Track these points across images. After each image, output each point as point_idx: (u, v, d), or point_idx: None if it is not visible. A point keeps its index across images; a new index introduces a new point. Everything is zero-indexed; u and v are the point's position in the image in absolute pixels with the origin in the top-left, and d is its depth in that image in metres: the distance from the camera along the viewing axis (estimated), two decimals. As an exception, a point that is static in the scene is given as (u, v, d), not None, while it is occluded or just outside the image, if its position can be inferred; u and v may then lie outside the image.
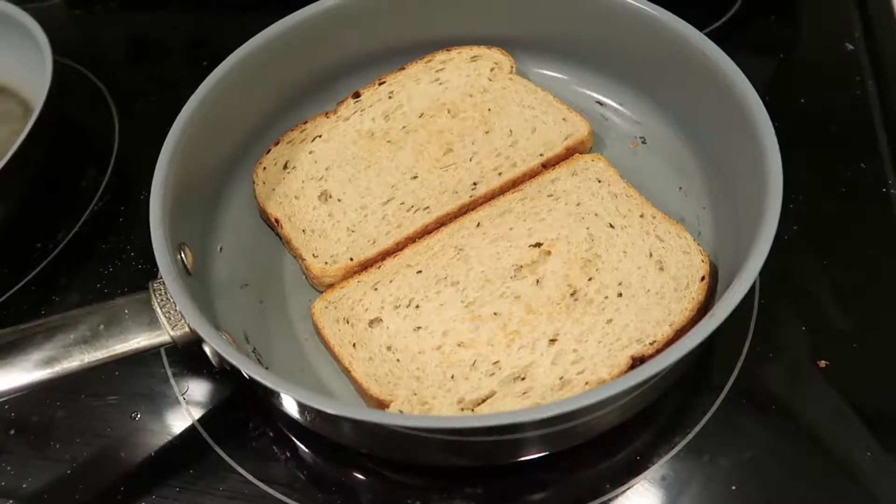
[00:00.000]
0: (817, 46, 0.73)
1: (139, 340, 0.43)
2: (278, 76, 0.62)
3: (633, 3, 0.58)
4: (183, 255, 0.49)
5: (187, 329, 0.44)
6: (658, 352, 0.47)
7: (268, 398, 0.48)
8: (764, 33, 0.74)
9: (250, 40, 0.58)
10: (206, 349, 0.44)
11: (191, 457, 0.49)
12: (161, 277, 0.45)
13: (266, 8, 0.83)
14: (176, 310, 0.44)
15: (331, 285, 0.53)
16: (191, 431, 0.50)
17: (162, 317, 0.44)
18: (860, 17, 0.74)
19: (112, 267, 0.60)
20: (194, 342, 0.44)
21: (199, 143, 0.54)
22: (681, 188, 0.58)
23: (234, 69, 0.57)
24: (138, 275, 0.59)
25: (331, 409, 0.37)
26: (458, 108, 0.63)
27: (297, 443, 0.50)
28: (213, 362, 0.44)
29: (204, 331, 0.41)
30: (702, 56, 0.54)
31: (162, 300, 0.44)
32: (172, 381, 0.52)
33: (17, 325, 0.43)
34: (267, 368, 0.50)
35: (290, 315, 0.54)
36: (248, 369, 0.39)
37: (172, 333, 0.44)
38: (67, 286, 0.59)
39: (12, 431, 0.51)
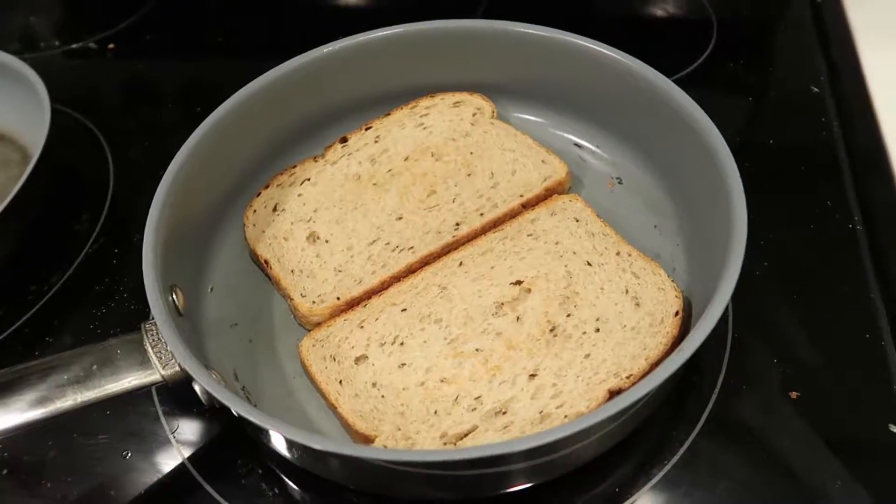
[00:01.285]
0: (785, 89, 0.76)
1: (131, 380, 0.45)
2: (268, 122, 0.64)
3: (607, 52, 0.62)
4: (174, 296, 0.50)
5: (178, 368, 0.45)
6: (634, 385, 0.48)
7: (257, 435, 0.49)
8: (734, 77, 0.78)
9: (242, 89, 0.61)
10: (196, 388, 0.45)
11: (181, 495, 0.50)
12: (153, 318, 0.47)
13: (258, 55, 0.88)
14: (167, 350, 0.46)
15: (318, 324, 0.55)
16: (181, 470, 0.51)
17: (153, 357, 0.45)
18: (825, 60, 0.78)
19: (105, 308, 0.61)
20: (184, 381, 0.45)
21: (191, 187, 0.56)
22: (656, 226, 0.61)
23: (225, 116, 0.60)
24: (131, 315, 0.61)
25: (316, 445, 0.38)
26: (442, 151, 0.66)
27: (286, 480, 0.51)
28: (203, 400, 0.45)
29: (194, 370, 0.43)
30: (671, 101, 0.57)
31: (153, 340, 0.46)
32: (163, 419, 0.53)
33: (12, 367, 0.44)
34: (255, 406, 0.51)
35: (279, 353, 0.55)
36: (237, 407, 0.40)
37: (163, 373, 0.45)
38: (61, 327, 0.60)
39: (5, 471, 0.51)
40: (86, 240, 0.67)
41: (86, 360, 0.45)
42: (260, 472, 0.51)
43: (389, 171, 0.64)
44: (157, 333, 0.46)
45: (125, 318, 0.60)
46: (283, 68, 0.63)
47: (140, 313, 0.61)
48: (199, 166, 0.57)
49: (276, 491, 0.50)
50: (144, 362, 0.45)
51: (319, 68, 0.65)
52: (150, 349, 0.46)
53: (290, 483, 0.51)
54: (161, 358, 0.45)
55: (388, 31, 0.66)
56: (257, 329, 0.56)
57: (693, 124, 0.55)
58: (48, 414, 0.42)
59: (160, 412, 0.54)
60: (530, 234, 0.58)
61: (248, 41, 0.90)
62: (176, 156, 0.55)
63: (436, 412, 0.48)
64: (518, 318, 0.53)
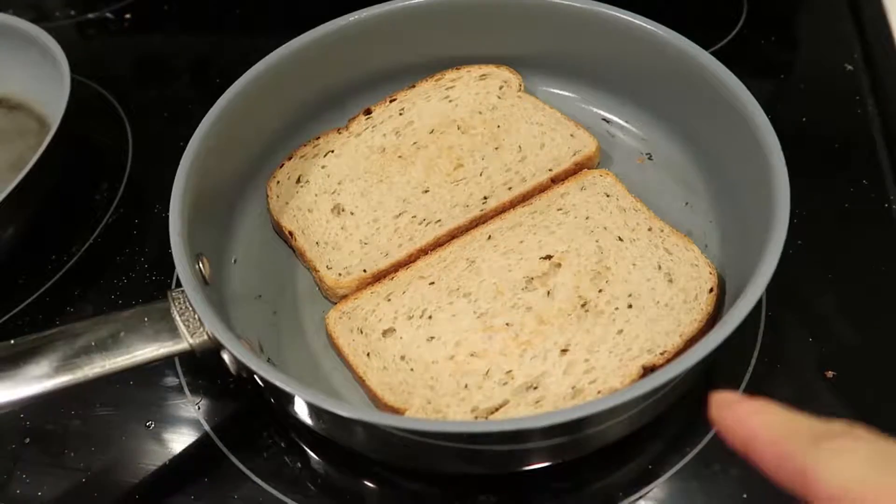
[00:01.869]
0: (817, 66, 0.75)
1: (159, 348, 0.44)
2: (291, 93, 0.63)
3: (639, 22, 0.60)
4: (201, 264, 0.49)
5: (206, 337, 0.44)
6: (668, 362, 0.47)
7: (283, 406, 0.48)
8: (765, 54, 0.76)
9: (264, 59, 0.60)
10: (224, 356, 0.44)
11: (205, 465, 0.50)
12: (180, 287, 0.46)
13: (276, 28, 0.86)
14: (195, 318, 0.45)
15: (344, 296, 0.54)
16: (205, 440, 0.51)
17: (181, 325, 0.44)
18: (858, 37, 0.76)
19: (126, 279, 0.60)
20: (213, 350, 0.45)
21: (214, 157, 0.55)
22: (687, 203, 0.59)
23: (248, 86, 0.58)
24: (151, 286, 0.60)
25: (347, 413, 0.37)
26: (468, 124, 0.64)
27: (311, 451, 0.50)
28: (231, 370, 0.45)
29: (224, 337, 0.42)
30: (707, 74, 0.56)
31: (181, 308, 0.45)
32: (186, 390, 0.53)
33: (38, 332, 0.43)
34: (281, 378, 0.51)
35: (304, 325, 0.54)
36: (267, 374, 0.40)
37: (191, 341, 0.44)
38: (82, 297, 0.60)
39: (27, 440, 0.51)
40: (105, 210, 0.66)
41: (112, 326, 0.44)
42: (284, 443, 0.51)
43: (415, 143, 0.63)
44: (185, 301, 0.45)
45: (146, 289, 0.60)
46: (307, 37, 0.62)
47: (161, 284, 0.60)
48: (221, 137, 0.56)
49: (301, 463, 0.50)
50: (172, 330, 0.45)
51: (343, 38, 0.63)
52: (177, 317, 0.45)
53: (315, 455, 0.50)
54: (189, 326, 0.44)
55: (413, 1, 0.64)
56: (282, 301, 0.56)
57: (731, 99, 0.53)
58: (75, 380, 0.41)
59: (184, 382, 0.53)
60: (560, 209, 0.57)
61: (267, 12, 0.88)
62: (200, 123, 0.54)
63: (466, 386, 0.47)
64: (548, 292, 0.52)
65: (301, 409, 0.43)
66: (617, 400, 0.38)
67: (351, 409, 0.38)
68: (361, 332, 0.51)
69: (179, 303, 0.45)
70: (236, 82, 0.58)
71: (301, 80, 0.63)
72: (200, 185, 0.53)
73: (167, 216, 0.65)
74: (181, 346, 0.44)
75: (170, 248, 0.61)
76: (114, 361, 0.42)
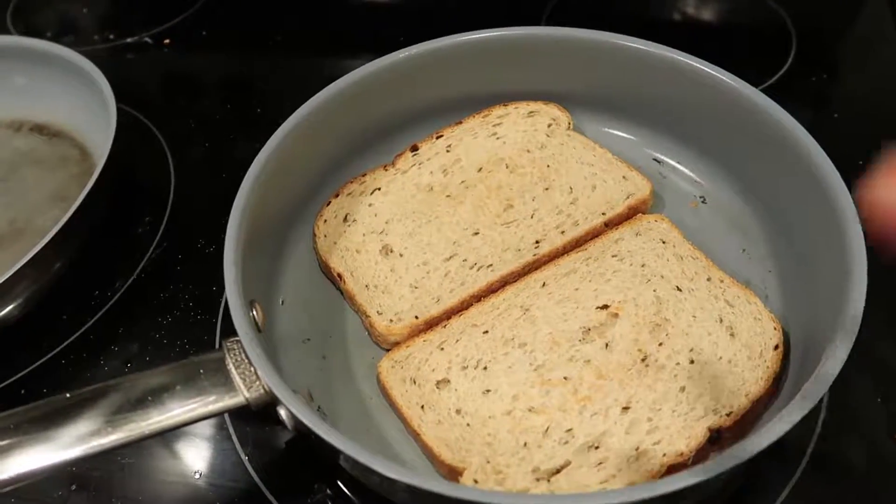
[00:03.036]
0: (872, 104, 0.73)
1: (214, 402, 0.43)
2: (339, 130, 0.62)
3: (691, 62, 0.59)
4: (254, 312, 0.48)
5: (262, 392, 0.43)
6: (736, 424, 0.46)
7: (337, 460, 0.47)
8: (816, 91, 0.75)
9: (315, 96, 0.59)
10: (281, 411, 0.43)
11: (253, 517, 0.49)
12: (231, 335, 0.45)
13: (316, 53, 0.86)
14: (251, 371, 0.44)
15: (395, 343, 0.53)
16: (254, 490, 0.49)
17: (237, 378, 0.43)
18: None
19: (170, 317, 0.60)
20: (269, 404, 0.44)
21: (266, 196, 0.54)
22: (744, 250, 0.58)
23: (299, 124, 0.57)
24: (197, 326, 0.59)
25: (429, 486, 0.36)
26: (517, 163, 0.63)
27: (359, 502, 0.49)
28: (288, 426, 0.44)
29: (283, 395, 0.41)
30: (765, 117, 0.55)
31: (237, 360, 0.44)
32: (235, 438, 0.52)
33: (94, 385, 0.42)
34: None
35: (354, 371, 0.53)
36: (334, 439, 0.39)
37: (248, 395, 0.43)
38: (126, 335, 0.59)
39: (73, 486, 0.50)
40: (148, 244, 0.65)
41: (169, 379, 0.43)
42: (332, 492, 0.49)
43: (463, 182, 0.62)
44: (240, 353, 0.44)
45: (191, 328, 0.59)
46: (357, 74, 0.61)
47: (206, 323, 0.59)
48: (273, 174, 0.55)
49: (352, 516, 0.49)
50: (227, 383, 0.44)
51: (392, 74, 0.63)
52: (233, 370, 0.44)
53: (364, 507, 0.49)
54: (245, 379, 0.43)
55: (461, 38, 0.64)
56: (330, 345, 0.55)
57: (795, 146, 0.52)
58: (129, 438, 0.41)
59: (231, 430, 0.52)
60: (615, 255, 0.56)
61: (306, 39, 0.88)
62: (253, 163, 0.54)
63: (525, 444, 0.46)
64: (607, 344, 0.50)
65: (363, 472, 0.42)
66: (708, 473, 0.36)
67: (432, 482, 0.37)
68: (415, 383, 0.50)
69: (234, 354, 0.44)
70: (288, 120, 0.57)
71: (349, 116, 0.62)
72: (252, 226, 0.52)
73: (211, 251, 0.66)
74: (237, 399, 0.43)
75: (214, 285, 0.62)
76: (169, 416, 0.41)
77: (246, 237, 0.51)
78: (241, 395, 0.43)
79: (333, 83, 0.60)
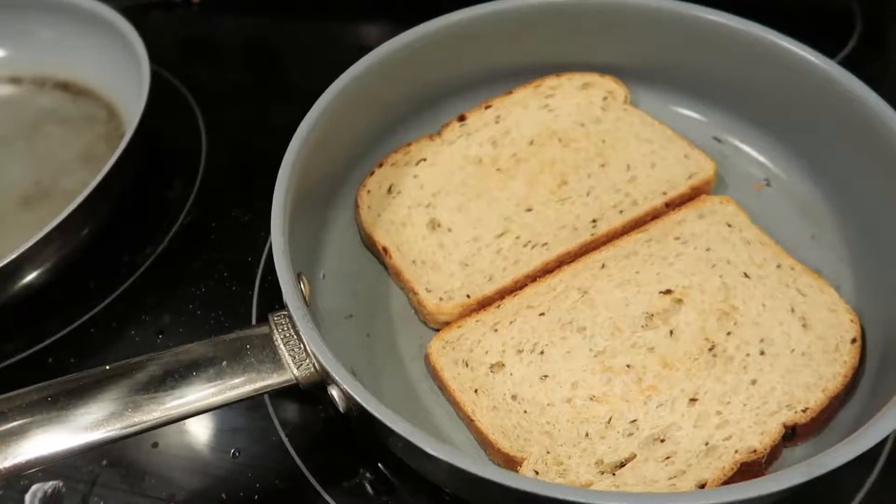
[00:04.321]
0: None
1: (262, 380, 0.40)
2: (385, 96, 0.59)
3: (763, 33, 0.55)
4: (302, 285, 0.45)
5: (313, 369, 0.41)
6: (812, 421, 0.43)
7: (385, 443, 0.44)
8: (882, 75, 0.71)
9: (362, 59, 0.56)
10: (333, 391, 0.40)
11: (295, 499, 0.46)
12: (281, 311, 0.42)
13: (355, 14, 0.82)
14: (300, 347, 0.41)
15: (445, 323, 0.50)
16: (294, 472, 0.47)
17: (286, 354, 0.41)
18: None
19: (204, 287, 0.57)
20: (320, 383, 0.41)
21: (310, 164, 0.51)
22: (813, 237, 0.55)
23: (343, 90, 0.54)
24: (233, 298, 0.56)
25: (497, 478, 0.33)
26: (570, 137, 0.60)
27: (410, 489, 0.46)
28: (340, 406, 0.41)
29: (338, 373, 0.38)
30: (848, 97, 0.51)
31: (285, 336, 0.41)
32: (274, 416, 0.49)
33: (140, 356, 0.40)
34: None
35: (400, 351, 0.50)
36: (394, 423, 0.36)
37: (297, 374, 0.40)
38: (157, 306, 0.56)
39: (105, 462, 0.48)
40: (179, 210, 0.62)
41: (216, 356, 0.40)
42: (380, 478, 0.47)
43: (514, 155, 0.59)
44: (289, 328, 0.41)
45: (226, 301, 0.56)
46: (405, 38, 0.57)
47: (242, 295, 0.56)
48: (316, 142, 0.52)
49: (389, 498, 0.46)
50: (276, 360, 0.41)
51: (440, 39, 0.59)
52: (282, 346, 0.41)
53: (414, 493, 0.46)
54: (294, 357, 0.41)
55: (514, 2, 0.60)
56: (375, 322, 0.52)
57: (882, 129, 0.49)
58: (186, 412, 0.38)
59: (271, 409, 0.49)
60: (677, 238, 0.53)
61: (341, 3, 0.84)
62: (298, 129, 0.50)
63: (587, 435, 0.43)
64: (671, 332, 0.47)
65: (413, 456, 0.39)
66: (809, 474, 0.33)
67: (501, 473, 0.34)
68: (467, 366, 0.47)
69: (283, 329, 0.42)
70: (333, 84, 0.54)
71: (396, 81, 0.59)
72: (296, 195, 0.49)
73: (246, 220, 0.63)
74: (285, 377, 0.41)
75: (250, 255, 0.59)
76: (224, 395, 0.39)
77: (291, 207, 0.48)
78: (290, 372, 0.40)
79: (377, 48, 0.56)
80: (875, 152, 0.49)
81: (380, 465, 0.48)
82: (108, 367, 0.38)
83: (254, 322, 0.54)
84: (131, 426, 0.36)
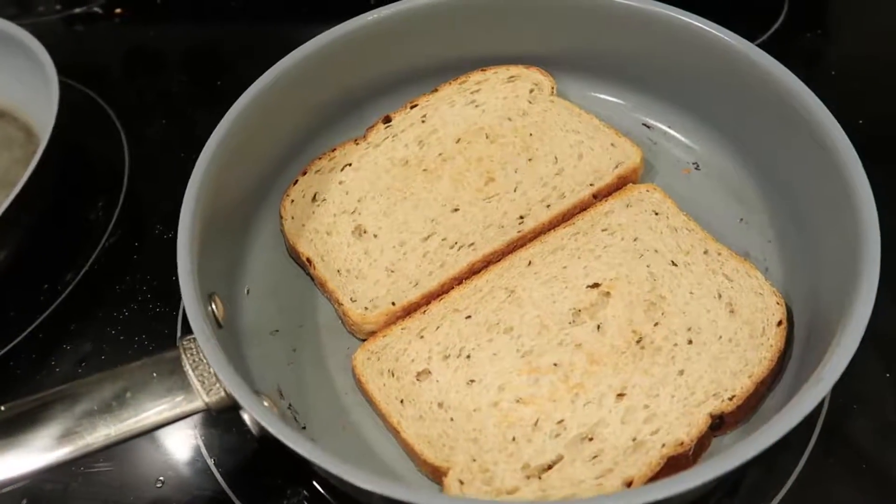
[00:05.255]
0: (874, 61, 0.69)
1: (171, 408, 0.39)
2: (304, 101, 0.57)
3: (683, 17, 0.55)
4: (213, 306, 0.44)
5: (223, 394, 0.39)
6: (739, 408, 0.43)
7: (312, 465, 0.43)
8: (812, 50, 0.70)
9: (277, 64, 0.54)
10: (246, 417, 0.39)
11: (223, 528, 0.45)
12: (191, 332, 0.41)
13: (279, 18, 0.80)
14: (210, 372, 0.40)
15: (371, 332, 0.49)
16: (222, 498, 0.46)
17: (195, 380, 0.39)
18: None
19: (128, 311, 0.55)
20: (231, 408, 0.40)
21: (224, 177, 0.49)
22: (742, 219, 0.54)
23: (260, 95, 0.52)
24: (156, 319, 0.54)
25: (407, 497, 0.32)
26: (497, 132, 0.59)
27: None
28: (253, 430, 0.40)
29: (244, 399, 0.37)
30: (767, 78, 0.51)
31: (194, 361, 0.40)
32: (200, 442, 0.48)
33: (34, 395, 0.38)
34: (304, 428, 0.46)
35: (327, 365, 0.49)
36: (302, 449, 0.35)
37: (207, 400, 0.39)
38: (79, 333, 0.54)
39: (24, 501, 0.46)
40: (102, 231, 0.60)
41: (117, 385, 0.39)
42: (310, 496, 0.46)
43: (440, 154, 0.58)
44: (198, 352, 0.40)
45: (150, 324, 0.54)
46: (321, 40, 0.56)
47: (167, 317, 0.55)
48: (232, 152, 0.50)
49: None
50: (185, 387, 0.39)
51: (360, 39, 0.57)
52: (190, 371, 0.40)
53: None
54: (204, 382, 0.39)
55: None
56: (301, 336, 0.50)
57: (801, 110, 0.49)
58: (77, 453, 0.36)
59: (197, 434, 0.48)
60: (605, 229, 0.52)
61: (268, 4, 0.82)
62: (209, 140, 0.49)
63: (514, 439, 0.43)
64: (599, 326, 0.47)
65: (332, 478, 0.38)
66: (710, 473, 0.33)
67: (412, 493, 0.33)
68: (393, 375, 0.46)
69: (192, 353, 0.40)
70: (246, 92, 0.52)
71: (316, 85, 0.57)
72: (211, 209, 0.47)
73: (170, 237, 0.60)
74: (195, 404, 0.39)
75: (174, 274, 0.57)
76: (119, 428, 0.37)
77: (203, 223, 0.46)
78: (200, 399, 0.39)
79: (295, 51, 0.55)
80: (794, 132, 0.49)
81: (315, 483, 0.46)
82: (2, 409, 0.37)
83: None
84: (19, 469, 0.35)
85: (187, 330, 0.50)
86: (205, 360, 0.40)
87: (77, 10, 0.83)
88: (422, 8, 0.58)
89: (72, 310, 0.56)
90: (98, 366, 0.52)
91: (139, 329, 0.54)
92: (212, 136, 0.49)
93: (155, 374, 0.39)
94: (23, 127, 0.68)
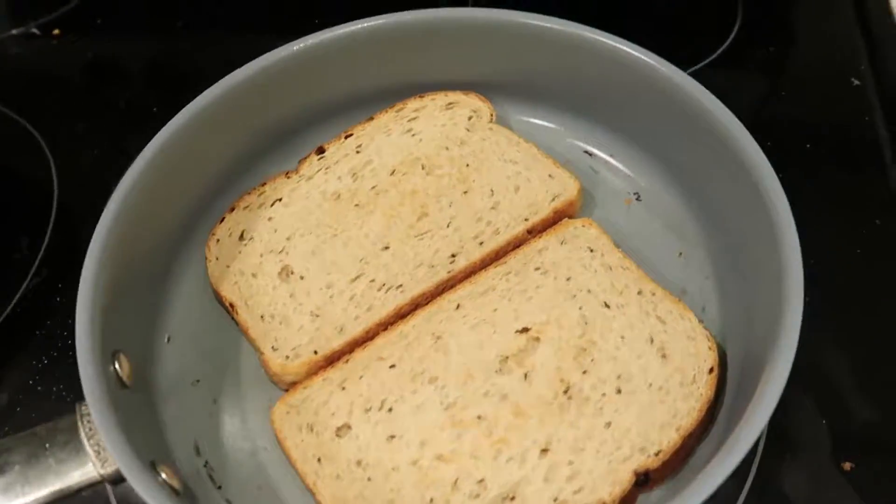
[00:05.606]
0: (821, 78, 0.68)
1: (63, 482, 0.37)
2: (232, 133, 0.55)
3: (621, 46, 0.53)
4: (117, 365, 0.42)
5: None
6: (665, 464, 0.41)
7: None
8: (763, 65, 0.69)
9: (204, 93, 0.52)
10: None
11: None
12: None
13: (223, 43, 0.77)
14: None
15: (293, 383, 0.47)
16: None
17: (90, 449, 0.38)
18: (865, 44, 0.69)
19: (47, 359, 0.53)
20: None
21: (143, 215, 0.48)
22: (681, 254, 0.53)
23: (185, 126, 0.51)
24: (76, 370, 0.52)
25: None
26: (434, 163, 0.57)
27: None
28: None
29: (133, 475, 0.35)
30: (699, 109, 0.49)
31: (90, 429, 0.38)
32: (112, 497, 0.46)
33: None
34: (220, 488, 0.44)
35: (248, 417, 0.47)
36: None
37: (102, 471, 0.37)
38: (-5, 384, 0.52)
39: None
40: (25, 272, 0.58)
41: (9, 458, 0.37)
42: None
43: (374, 188, 0.56)
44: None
45: (70, 373, 0.51)
46: (251, 67, 0.54)
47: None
48: (151, 190, 0.49)
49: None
50: (79, 456, 0.38)
51: (292, 66, 0.56)
52: (85, 440, 0.38)
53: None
54: (99, 452, 0.37)
55: (370, 22, 0.57)
56: (223, 386, 0.49)
57: (724, 137, 0.47)
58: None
59: (112, 498, 0.46)
60: (538, 268, 0.50)
61: (211, 26, 0.79)
62: (122, 180, 0.47)
63: (431, 500, 0.41)
64: (526, 375, 0.45)
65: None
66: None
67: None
68: (312, 430, 0.44)
69: (89, 420, 0.38)
70: (172, 120, 0.50)
71: (244, 116, 0.55)
72: (125, 258, 0.46)
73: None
74: (89, 476, 0.37)
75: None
76: (9, 500, 0.35)
77: (113, 275, 0.44)
78: (96, 470, 0.37)
79: (220, 81, 0.53)
80: (726, 164, 0.48)
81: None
82: None
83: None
84: None
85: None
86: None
87: (14, 32, 0.80)
88: (357, 33, 0.56)
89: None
90: (11, 418, 0.50)
91: (58, 378, 0.52)
92: (126, 173, 0.47)
93: (48, 445, 0.38)
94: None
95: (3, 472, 0.36)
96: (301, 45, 0.55)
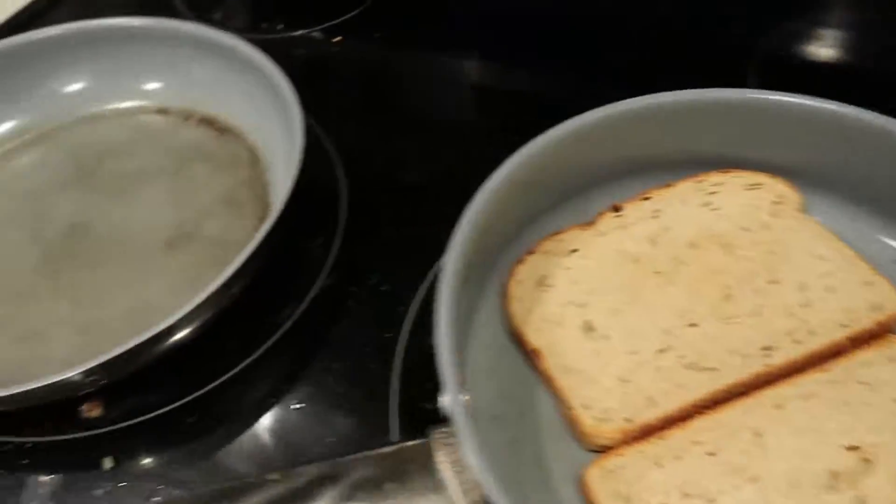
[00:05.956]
0: None
1: (420, 510, 0.38)
2: (542, 181, 0.56)
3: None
4: (463, 391, 0.43)
5: (477, 497, 0.38)
6: None
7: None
8: None
9: (529, 144, 0.53)
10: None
11: None
12: (443, 427, 0.40)
13: (502, 59, 0.79)
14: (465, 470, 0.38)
15: (601, 445, 0.47)
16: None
17: (453, 481, 0.38)
18: None
19: (338, 363, 0.55)
20: (483, 517, 0.38)
21: (474, 247, 0.49)
22: None
23: (510, 176, 0.52)
24: (372, 376, 0.54)
25: None
26: (734, 243, 0.56)
27: None
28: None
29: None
30: None
31: (452, 460, 0.39)
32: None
33: (270, 473, 0.38)
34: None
35: (549, 467, 0.47)
36: None
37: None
38: (289, 378, 0.54)
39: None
40: (318, 271, 0.61)
41: (373, 471, 0.38)
42: None
43: (674, 258, 0.55)
44: (456, 451, 0.39)
45: (364, 378, 0.54)
46: (571, 125, 0.55)
47: (379, 376, 0.54)
48: (479, 230, 0.50)
49: None
50: (438, 487, 0.38)
51: (609, 126, 0.56)
52: (446, 469, 0.38)
53: None
54: (463, 483, 0.38)
55: (684, 95, 0.57)
56: (521, 428, 0.49)
57: None
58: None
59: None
60: (862, 383, 0.48)
61: (496, 41, 0.81)
62: (471, 207, 0.49)
63: None
64: (859, 499, 0.43)
65: None
66: None
67: None
68: (628, 501, 0.44)
69: (450, 452, 0.39)
70: (503, 166, 0.52)
71: (557, 167, 0.56)
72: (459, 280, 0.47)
73: (385, 289, 0.61)
74: (447, 508, 0.38)
75: (388, 331, 0.57)
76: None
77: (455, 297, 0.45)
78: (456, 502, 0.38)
79: (550, 131, 0.54)
80: None
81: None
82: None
83: (394, 409, 0.52)
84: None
85: (406, 393, 0.50)
86: (460, 458, 0.38)
87: (299, 32, 0.85)
88: (673, 104, 0.57)
89: (287, 349, 0.56)
90: (312, 413, 0.52)
91: (352, 383, 0.54)
92: (475, 200, 0.49)
93: (412, 467, 0.38)
94: (248, 147, 0.70)
95: (375, 488, 0.37)
96: (621, 107, 0.56)
